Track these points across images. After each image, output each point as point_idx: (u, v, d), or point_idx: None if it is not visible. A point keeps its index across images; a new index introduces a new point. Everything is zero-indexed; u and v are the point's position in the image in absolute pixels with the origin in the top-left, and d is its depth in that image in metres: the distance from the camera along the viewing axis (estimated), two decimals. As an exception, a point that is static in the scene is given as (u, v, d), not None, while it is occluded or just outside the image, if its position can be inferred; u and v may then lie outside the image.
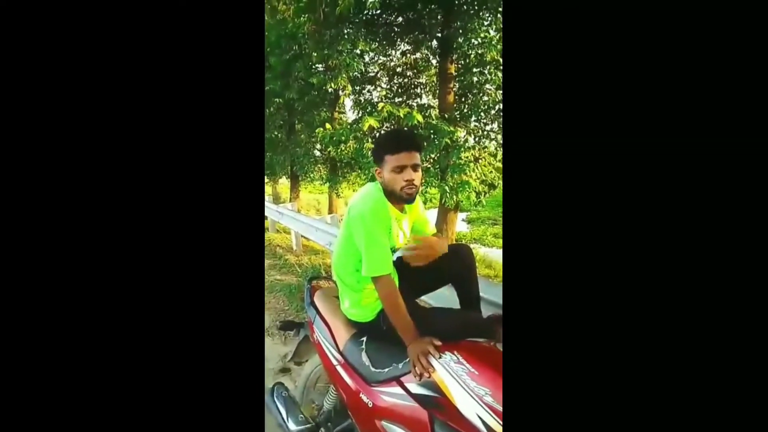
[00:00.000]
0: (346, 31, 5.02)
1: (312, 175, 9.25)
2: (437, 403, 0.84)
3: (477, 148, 5.58)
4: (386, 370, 0.98)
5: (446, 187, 4.81)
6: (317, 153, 8.23)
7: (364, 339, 1.08)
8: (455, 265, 1.18)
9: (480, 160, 5.39)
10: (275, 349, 2.14)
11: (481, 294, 1.30)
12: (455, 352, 0.86)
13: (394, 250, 1.13)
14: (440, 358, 0.87)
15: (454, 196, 4.83)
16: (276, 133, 9.29)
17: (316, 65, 5.63)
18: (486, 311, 1.36)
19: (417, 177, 1.07)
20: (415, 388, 0.90)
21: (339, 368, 1.09)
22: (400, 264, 1.24)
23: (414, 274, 1.21)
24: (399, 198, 1.08)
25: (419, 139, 1.13)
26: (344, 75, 4.83)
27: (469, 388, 0.78)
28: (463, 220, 9.92)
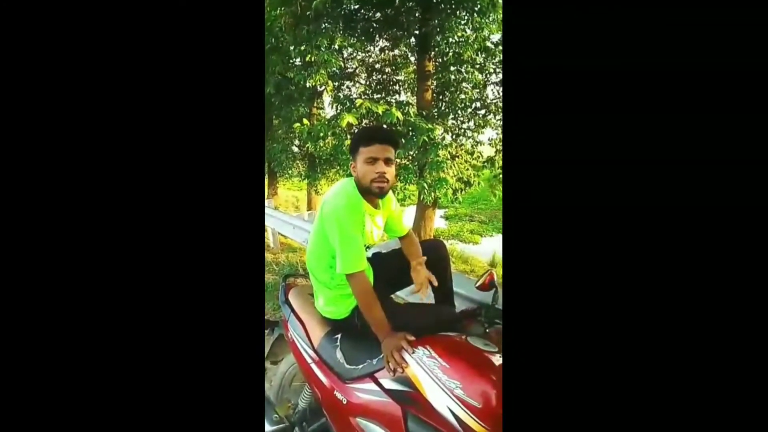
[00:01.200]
0: (324, 27, 4.95)
1: (290, 172, 9.10)
2: (410, 398, 0.86)
3: (454, 146, 5.65)
4: (360, 366, 0.98)
5: (424, 184, 4.85)
6: (295, 149, 8.11)
7: (339, 336, 1.08)
8: (429, 260, 1.19)
9: (457, 158, 5.46)
10: (251, 349, 2.10)
11: (454, 288, 1.32)
12: (427, 347, 0.87)
13: (368, 247, 1.13)
14: (413, 353, 0.89)
15: (432, 193, 4.88)
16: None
17: (294, 60, 5.53)
18: (460, 305, 1.39)
19: (389, 172, 1.07)
20: (389, 384, 0.91)
21: (313, 366, 1.09)
22: (375, 260, 1.24)
23: (388, 271, 1.22)
24: (370, 192, 1.07)
25: (396, 136, 1.14)
26: (323, 71, 4.77)
27: (440, 382, 0.80)
28: (441, 216, 10.03)
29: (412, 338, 0.92)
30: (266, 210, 4.38)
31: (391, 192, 1.20)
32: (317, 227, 1.10)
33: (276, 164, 8.29)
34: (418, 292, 1.08)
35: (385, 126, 3.94)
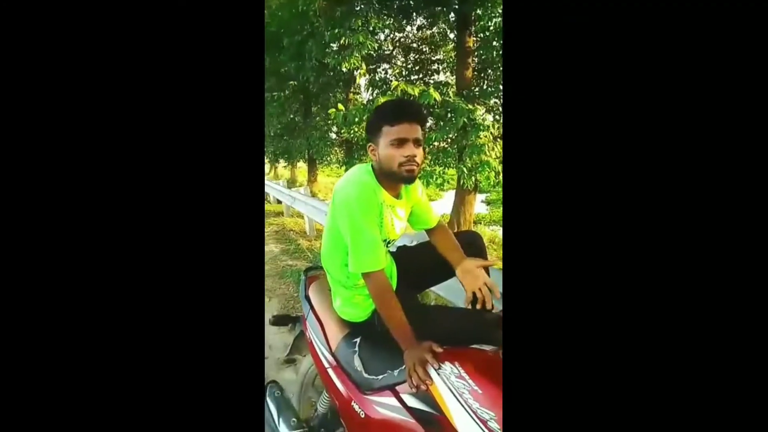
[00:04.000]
0: (358, 7, 4.78)
1: (329, 158, 9.15)
2: (435, 421, 0.73)
3: (497, 126, 5.30)
4: (380, 377, 0.87)
5: (464, 168, 4.60)
6: (333, 135, 8.10)
7: (358, 340, 0.96)
8: (464, 251, 1.04)
9: (500, 139, 5.12)
10: (281, 339, 2.07)
11: (494, 286, 1.16)
12: (456, 364, 0.73)
13: (388, 242, 0.99)
14: (439, 368, 0.75)
15: (473, 177, 4.62)
16: (292, 116, 9.19)
17: (331, 44, 5.42)
18: (499, 305, 1.23)
19: (419, 154, 0.90)
20: (412, 401, 0.78)
21: (331, 372, 0.99)
22: (399, 255, 1.11)
23: (415, 267, 1.08)
24: (398, 177, 0.91)
25: (423, 112, 0.98)
26: (357, 54, 4.62)
27: (471, 410, 0.66)
28: (482, 201, 9.64)
29: (439, 349, 0.79)
30: (302, 198, 4.38)
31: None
32: (330, 220, 0.96)
33: (315, 151, 8.36)
34: (470, 304, 0.91)
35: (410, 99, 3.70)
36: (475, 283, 0.92)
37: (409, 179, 0.92)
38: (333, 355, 1.00)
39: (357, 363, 0.92)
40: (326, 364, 1.01)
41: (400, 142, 0.89)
